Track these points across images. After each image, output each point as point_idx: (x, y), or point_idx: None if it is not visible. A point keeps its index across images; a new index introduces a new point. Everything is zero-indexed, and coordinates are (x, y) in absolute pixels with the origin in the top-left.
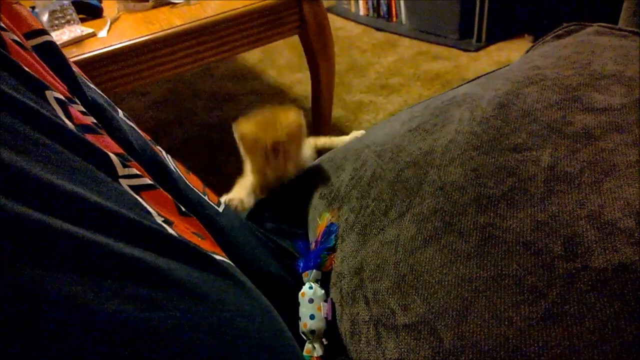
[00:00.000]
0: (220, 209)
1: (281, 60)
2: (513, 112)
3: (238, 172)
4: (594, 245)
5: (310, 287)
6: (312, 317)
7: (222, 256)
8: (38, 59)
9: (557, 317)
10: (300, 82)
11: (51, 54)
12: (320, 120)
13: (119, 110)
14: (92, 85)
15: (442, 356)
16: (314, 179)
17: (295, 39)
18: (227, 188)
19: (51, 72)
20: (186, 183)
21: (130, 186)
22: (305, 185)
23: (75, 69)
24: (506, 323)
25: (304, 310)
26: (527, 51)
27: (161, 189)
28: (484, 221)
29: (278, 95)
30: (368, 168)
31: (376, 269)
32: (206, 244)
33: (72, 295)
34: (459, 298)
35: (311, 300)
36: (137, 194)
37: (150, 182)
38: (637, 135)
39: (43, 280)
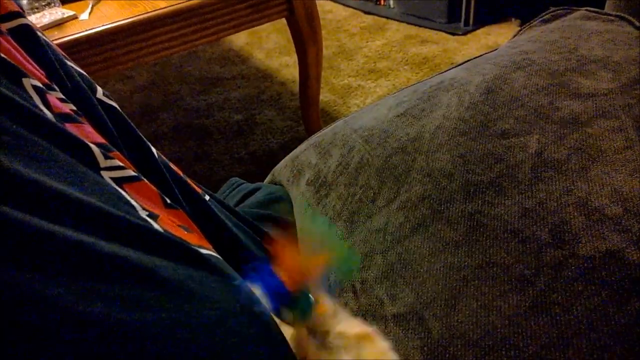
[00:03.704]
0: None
1: (269, 44)
2: (500, 97)
3: (225, 157)
4: (582, 233)
5: None
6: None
7: (209, 249)
8: (14, 43)
9: (545, 306)
10: (287, 65)
11: (27, 37)
12: (308, 104)
13: (99, 89)
14: (70, 63)
15: (430, 347)
16: (302, 165)
17: (283, 22)
18: (216, 175)
19: (28, 58)
20: (171, 169)
21: (112, 178)
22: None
23: (53, 46)
24: (494, 312)
25: None
26: (514, 35)
27: (145, 181)
28: (472, 209)
29: (265, 79)
30: (355, 154)
31: (364, 258)
32: (193, 237)
33: (53, 298)
34: (447, 287)
35: None
36: (120, 187)
37: (133, 173)
38: (624, 120)
39: (21, 282)
